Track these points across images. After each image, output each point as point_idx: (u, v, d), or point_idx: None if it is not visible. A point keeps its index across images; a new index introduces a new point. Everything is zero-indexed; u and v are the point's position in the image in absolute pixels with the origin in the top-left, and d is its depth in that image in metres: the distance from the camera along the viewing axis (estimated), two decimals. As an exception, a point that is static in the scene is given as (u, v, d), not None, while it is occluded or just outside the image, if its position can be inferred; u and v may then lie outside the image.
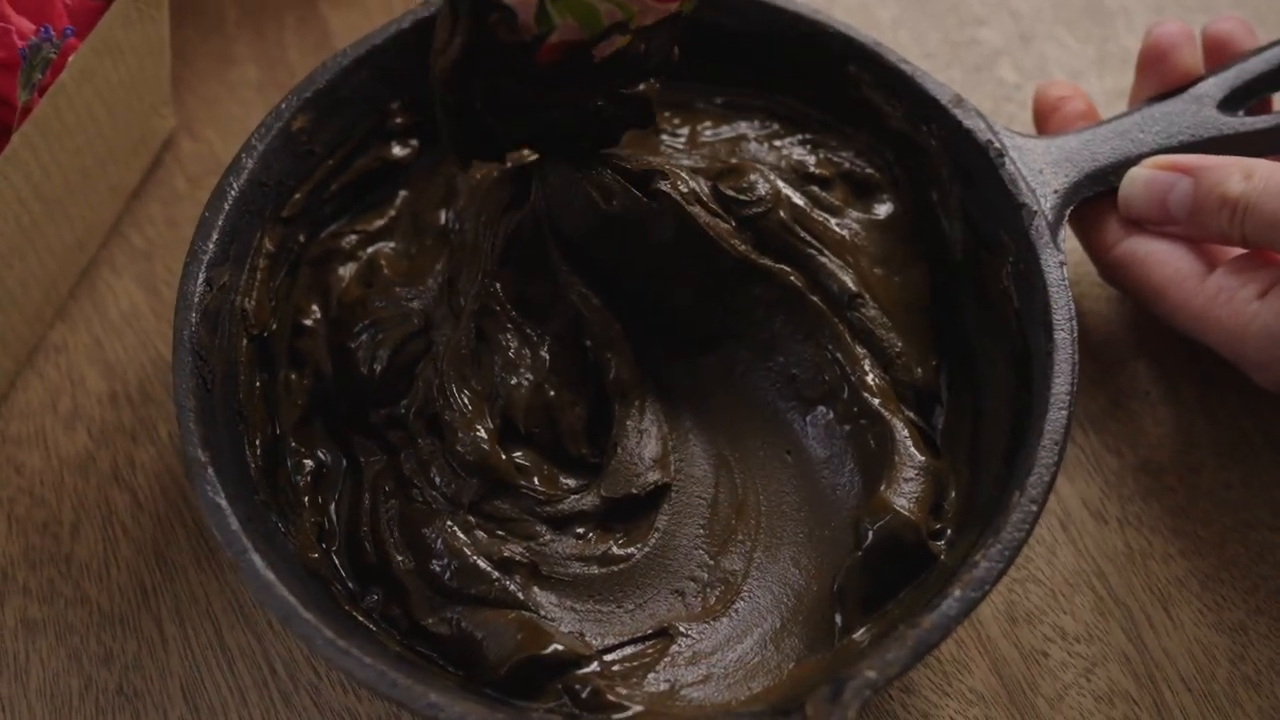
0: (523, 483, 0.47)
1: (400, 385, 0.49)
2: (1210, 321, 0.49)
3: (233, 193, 0.49)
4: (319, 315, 0.51)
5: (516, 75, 0.47)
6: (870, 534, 0.46)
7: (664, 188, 0.50)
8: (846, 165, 0.53)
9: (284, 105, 0.50)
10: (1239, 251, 0.50)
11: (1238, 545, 0.51)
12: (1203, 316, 0.49)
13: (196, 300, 0.47)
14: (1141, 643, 0.49)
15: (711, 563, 0.49)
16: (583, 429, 0.50)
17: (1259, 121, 0.52)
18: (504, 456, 0.47)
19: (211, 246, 0.48)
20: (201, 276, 0.47)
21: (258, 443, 0.48)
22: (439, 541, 0.46)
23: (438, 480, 0.47)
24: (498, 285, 0.50)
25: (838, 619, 0.46)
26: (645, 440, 0.50)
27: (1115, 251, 0.51)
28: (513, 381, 0.48)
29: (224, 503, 0.43)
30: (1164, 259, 0.50)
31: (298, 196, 0.51)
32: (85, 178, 0.53)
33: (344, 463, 0.49)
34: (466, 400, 0.47)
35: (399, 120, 0.54)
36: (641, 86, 0.49)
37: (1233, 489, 0.52)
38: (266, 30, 0.62)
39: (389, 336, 0.49)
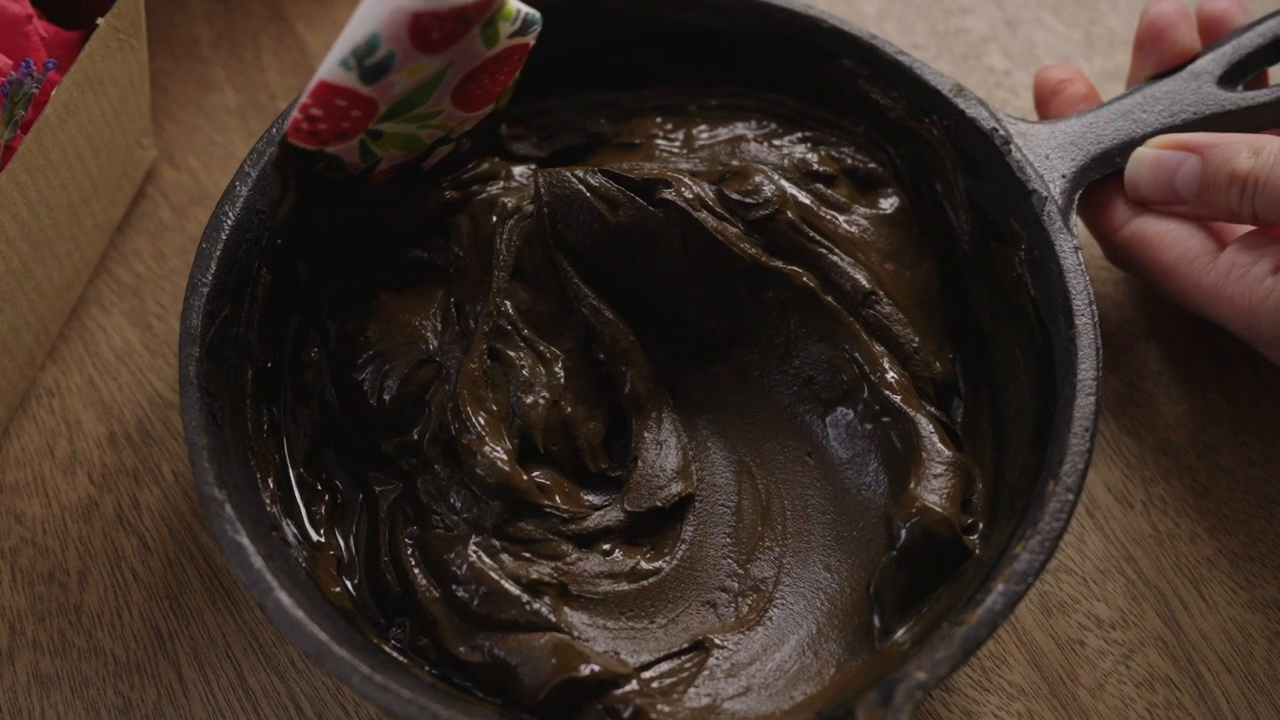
0: (545, 502, 0.47)
1: (411, 413, 0.48)
2: (1223, 299, 0.49)
3: (229, 222, 0.48)
4: (319, 348, 0.50)
5: (353, 202, 0.48)
6: (904, 532, 0.45)
7: (669, 196, 0.49)
8: (849, 161, 0.53)
9: (275, 129, 0.49)
10: (1247, 229, 0.50)
11: (1263, 522, 0.51)
12: (1215, 295, 0.49)
13: (199, 334, 0.46)
14: (1177, 625, 0.49)
15: (741, 571, 0.48)
16: (601, 444, 0.49)
17: (1260, 95, 0.52)
18: (525, 477, 0.46)
19: (210, 278, 0.47)
20: (203, 309, 0.46)
21: (270, 478, 0.47)
22: (464, 568, 0.45)
23: (457, 505, 0.46)
24: (508, 303, 0.49)
25: (875, 621, 0.45)
26: (665, 451, 0.49)
27: (1123, 233, 0.51)
28: (529, 400, 0.48)
29: (245, 541, 0.42)
30: (1173, 238, 0.50)
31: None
32: (72, 214, 0.51)
33: (359, 494, 0.48)
34: (483, 422, 0.46)
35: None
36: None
37: (1253, 465, 0.52)
38: (243, 53, 0.61)
39: (396, 366, 0.48)
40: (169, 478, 0.52)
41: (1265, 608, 0.49)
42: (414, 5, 0.39)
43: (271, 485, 0.47)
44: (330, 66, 0.41)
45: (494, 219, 0.50)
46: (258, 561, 0.42)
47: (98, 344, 0.54)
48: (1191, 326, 0.54)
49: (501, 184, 0.52)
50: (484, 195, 0.51)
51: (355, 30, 0.40)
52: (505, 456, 0.46)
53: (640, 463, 0.49)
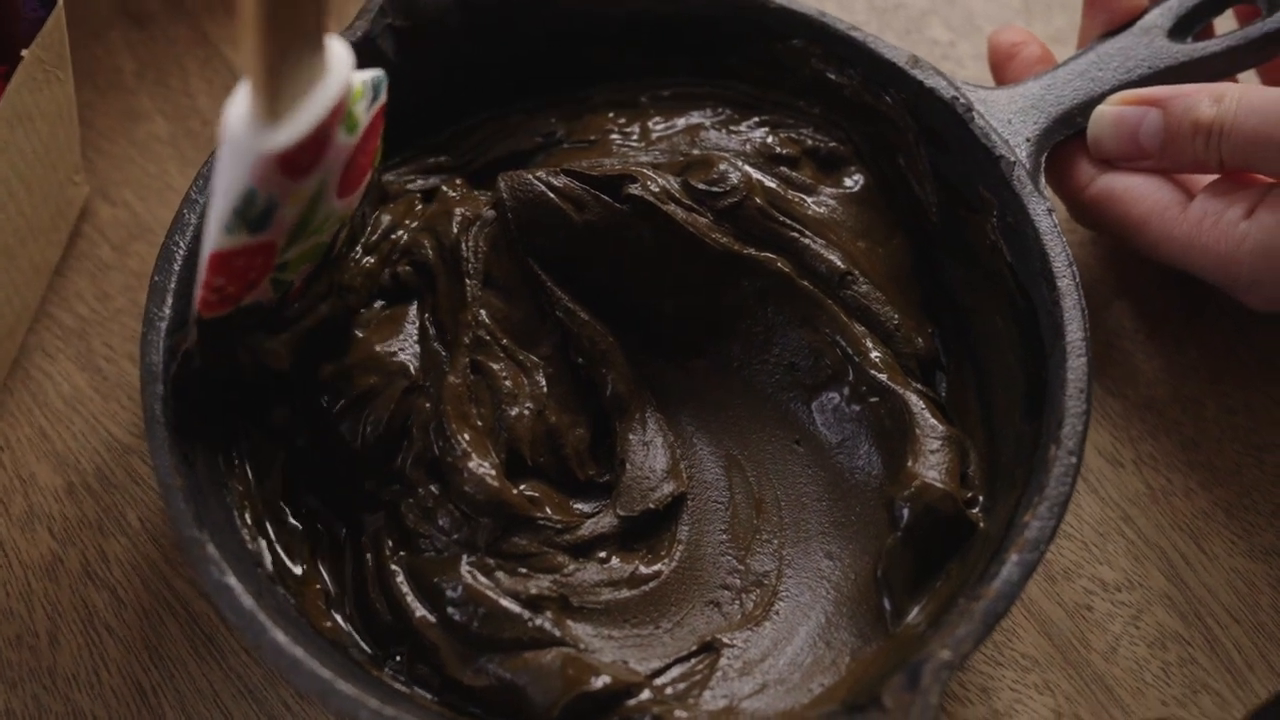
0: (538, 515, 0.45)
1: (395, 444, 0.46)
2: (1198, 248, 0.49)
3: (180, 251, 0.46)
4: (285, 407, 0.48)
5: (279, 324, 0.46)
6: (906, 511, 0.45)
7: (636, 191, 0.48)
8: (809, 142, 0.52)
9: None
10: (1212, 179, 0.50)
11: (1254, 470, 0.51)
12: (1189, 244, 0.49)
13: (162, 371, 0.44)
14: (1181, 581, 0.49)
15: (741, 567, 0.47)
16: (587, 451, 0.48)
17: (1211, 45, 0.52)
18: (514, 490, 0.45)
19: (168, 312, 0.45)
20: (162, 345, 0.44)
21: (247, 514, 0.45)
22: (459, 589, 0.44)
23: (446, 526, 0.45)
24: (483, 312, 0.47)
25: (886, 604, 0.45)
26: (652, 452, 0.48)
27: (1090, 191, 0.51)
28: (513, 413, 0.46)
29: (233, 581, 0.40)
30: (1142, 192, 0.50)
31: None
32: (8, 258, 0.49)
33: (340, 524, 0.46)
34: (468, 439, 0.45)
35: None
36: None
37: (1237, 414, 0.52)
38: (170, 80, 0.59)
39: (378, 405, 0.46)
40: (135, 525, 0.49)
41: (1266, 555, 0.49)
42: (277, 147, 0.37)
43: (250, 521, 0.45)
44: (216, 237, 0.39)
45: (455, 229, 0.49)
46: (248, 601, 0.40)
47: (45, 392, 0.52)
48: (1162, 281, 0.54)
49: (457, 193, 0.51)
50: (439, 209, 0.50)
51: (227, 192, 0.38)
52: (493, 472, 0.44)
53: (628, 466, 0.48)
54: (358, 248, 0.48)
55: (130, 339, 0.53)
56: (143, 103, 0.59)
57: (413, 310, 0.48)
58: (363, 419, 0.46)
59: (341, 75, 0.38)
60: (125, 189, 0.56)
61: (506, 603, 0.43)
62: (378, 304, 0.48)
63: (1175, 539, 0.49)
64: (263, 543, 0.45)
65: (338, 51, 0.38)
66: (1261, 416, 0.52)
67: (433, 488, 0.45)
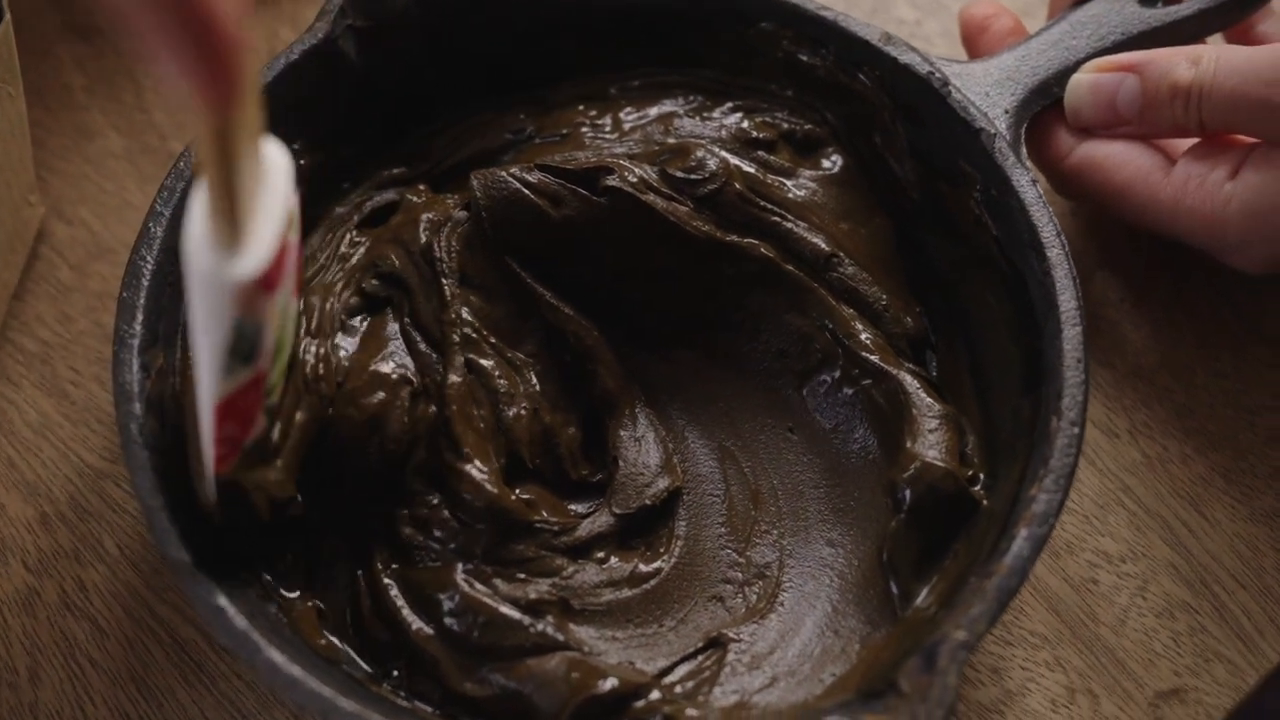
0: (535, 519, 0.44)
1: (403, 457, 0.45)
2: (1183, 211, 0.48)
3: (148, 266, 0.44)
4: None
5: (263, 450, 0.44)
6: (908, 493, 0.44)
7: (613, 183, 0.47)
8: (785, 125, 0.51)
9: (183, 162, 0.46)
10: (1193, 142, 0.50)
11: (1248, 432, 0.51)
12: (1175, 208, 0.49)
13: (137, 390, 0.42)
14: (1185, 549, 0.48)
15: (742, 560, 0.46)
16: (580, 450, 0.47)
17: (1182, 9, 0.52)
18: (513, 496, 0.44)
19: (139, 328, 0.43)
20: (135, 363, 0.43)
21: (234, 532, 0.43)
22: (456, 599, 0.42)
23: (441, 535, 0.43)
24: (465, 311, 0.46)
25: (893, 588, 0.44)
26: (644, 447, 0.48)
27: (1070, 160, 0.51)
28: (511, 413, 0.45)
29: (224, 602, 0.39)
30: (1123, 159, 0.50)
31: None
32: (-33, 284, 0.48)
33: (331, 538, 0.45)
34: (470, 442, 0.44)
35: (303, 162, 0.50)
36: None
37: (1227, 378, 0.52)
38: (122, 94, 0.58)
39: (391, 423, 0.44)
40: (114, 552, 0.48)
41: (1267, 518, 0.49)
42: (254, 271, 0.35)
43: (236, 539, 0.43)
44: (215, 386, 0.37)
45: (424, 234, 0.48)
46: (240, 621, 0.39)
47: (11, 421, 0.50)
48: (1145, 249, 0.54)
49: (422, 199, 0.50)
50: (403, 219, 0.49)
51: (214, 332, 0.36)
52: (490, 477, 0.43)
53: (621, 463, 0.47)
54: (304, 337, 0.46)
55: (96, 361, 0.52)
56: (95, 119, 0.57)
57: (389, 319, 0.47)
58: (374, 439, 0.44)
59: (283, 173, 0.36)
60: (82, 208, 0.55)
61: (506, 609, 0.42)
62: (355, 319, 0.47)
63: (1175, 507, 0.49)
64: (249, 561, 0.43)
65: (271, 148, 0.36)
66: (1251, 379, 0.52)
67: (430, 497, 0.44)
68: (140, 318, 0.43)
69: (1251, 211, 0.47)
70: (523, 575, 0.44)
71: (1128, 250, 0.54)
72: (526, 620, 0.42)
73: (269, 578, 0.43)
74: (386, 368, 0.46)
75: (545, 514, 0.45)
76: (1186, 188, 0.48)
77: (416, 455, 0.44)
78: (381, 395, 0.45)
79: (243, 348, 0.37)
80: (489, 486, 0.43)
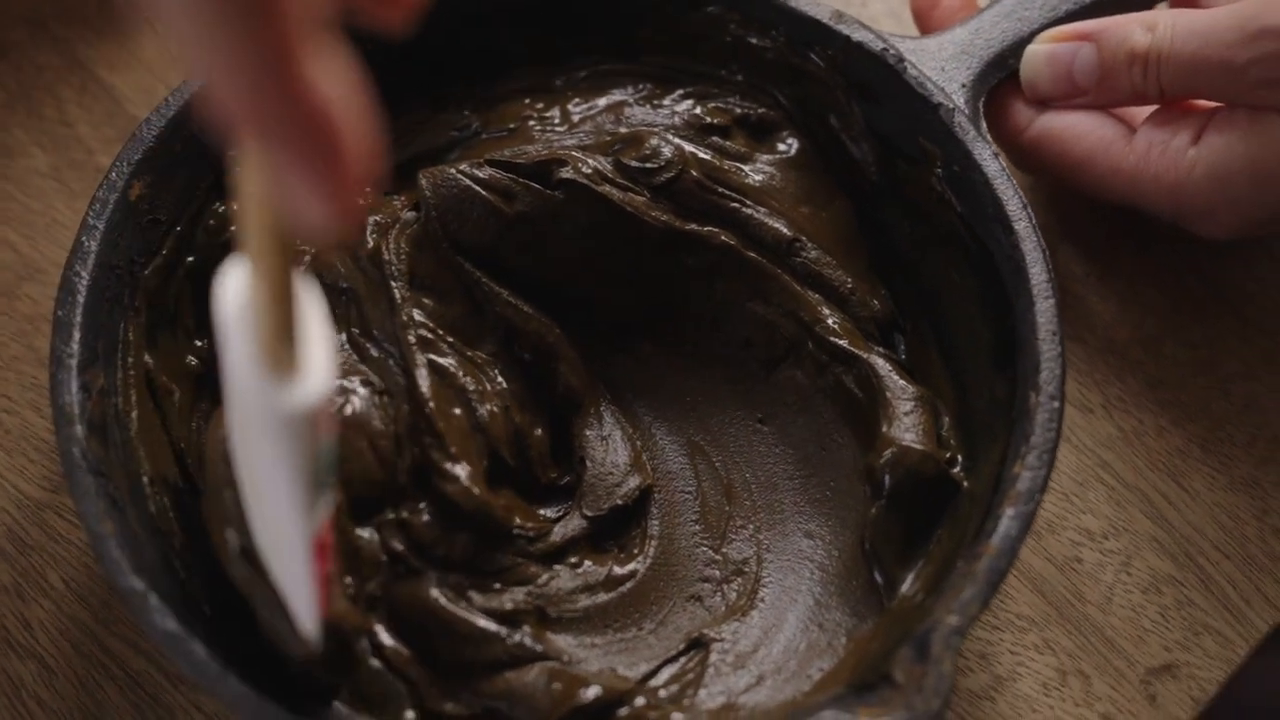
0: (514, 525, 0.43)
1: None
2: (1146, 180, 0.48)
3: (83, 282, 0.42)
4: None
5: None
6: (887, 478, 0.43)
7: (567, 175, 0.46)
8: (738, 110, 0.50)
9: (114, 174, 0.44)
10: (1152, 110, 0.50)
11: (1221, 401, 0.50)
12: (1137, 176, 0.48)
13: (78, 411, 0.40)
14: (1166, 522, 0.48)
15: (718, 557, 0.45)
16: (549, 452, 0.45)
17: (1134, -25, 0.51)
18: (497, 499, 0.42)
19: (76, 347, 0.41)
20: (75, 383, 0.41)
21: (188, 557, 0.42)
22: (429, 617, 0.41)
23: (419, 543, 0.42)
24: (417, 313, 0.45)
25: (877, 577, 0.43)
26: (612, 447, 0.46)
27: (1029, 134, 0.50)
28: (485, 412, 0.44)
29: (179, 629, 0.37)
30: (1083, 129, 0.49)
31: (149, 275, 0.45)
32: (-111, 311, 0.45)
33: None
34: (457, 440, 0.42)
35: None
36: None
37: (1197, 348, 0.51)
38: (44, 110, 0.55)
39: (369, 426, 0.42)
40: (59, 586, 0.46)
41: (1245, 486, 0.48)
42: (326, 384, 0.31)
43: (189, 564, 0.41)
44: (306, 527, 0.33)
45: (371, 237, 0.46)
46: (199, 650, 0.37)
47: (-58, 455, 0.48)
48: (1107, 223, 0.54)
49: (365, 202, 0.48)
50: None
51: (294, 470, 0.32)
52: (477, 479, 0.42)
53: (589, 463, 0.46)
54: None
55: (30, 388, 0.49)
56: (16, 137, 0.55)
57: (334, 330, 0.45)
58: (360, 439, 0.42)
59: (306, 280, 0.32)
60: (7, 228, 0.53)
61: (483, 622, 0.41)
62: None
63: (1154, 480, 0.49)
64: (203, 583, 0.41)
65: None
66: (1220, 347, 0.51)
67: (418, 501, 0.42)
68: (78, 336, 0.42)
69: (1217, 176, 0.46)
70: (498, 585, 0.42)
71: (1090, 223, 0.54)
72: (503, 632, 0.41)
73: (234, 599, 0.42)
74: (342, 380, 0.44)
75: (520, 520, 0.43)
76: (1149, 156, 0.48)
77: (404, 456, 0.42)
78: (353, 399, 0.43)
79: (322, 473, 0.33)
80: (476, 490, 0.42)
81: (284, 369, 0.30)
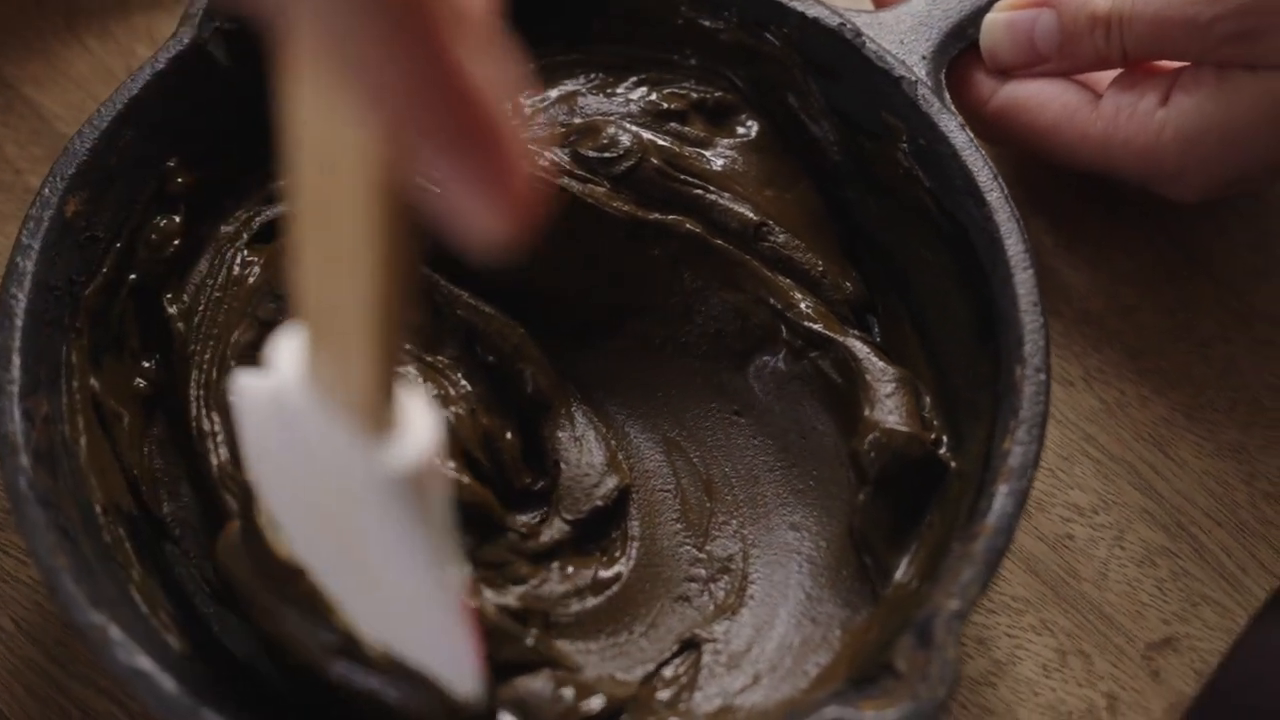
0: (508, 519, 0.41)
1: None
2: (1116, 145, 0.47)
3: (21, 305, 0.41)
4: (186, 488, 0.43)
5: None
6: (873, 463, 0.42)
7: None
8: (694, 95, 0.49)
9: (48, 190, 0.43)
10: (1116, 74, 0.49)
11: (1201, 366, 0.50)
12: (1107, 142, 0.47)
13: (22, 441, 0.38)
14: (1156, 493, 0.47)
15: (703, 555, 0.44)
16: (521, 456, 0.44)
17: (1087, -61, 0.51)
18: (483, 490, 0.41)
19: (17, 374, 0.39)
20: (17, 412, 0.39)
21: (152, 588, 0.40)
22: None
23: None
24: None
25: (868, 566, 0.42)
26: (586, 447, 0.45)
27: (993, 104, 0.49)
28: (451, 414, 0.42)
29: (147, 665, 0.35)
30: (1047, 97, 0.49)
31: (90, 295, 0.43)
32: None
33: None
34: None
35: (180, 180, 0.46)
36: None
37: (1174, 313, 0.51)
38: (-33, 132, 0.53)
39: None
40: (9, 628, 0.44)
41: (1232, 452, 0.48)
42: (439, 438, 0.29)
43: (151, 595, 0.40)
44: (460, 583, 0.32)
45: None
46: (168, 684, 0.35)
47: (-121, 497, 0.46)
48: (1073, 191, 0.53)
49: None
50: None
51: (440, 526, 0.30)
52: (456, 470, 0.40)
53: (563, 466, 0.44)
54: None
55: (-31, 422, 0.47)
56: (-60, 161, 0.53)
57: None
58: None
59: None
60: (-65, 257, 0.51)
61: (500, 619, 0.39)
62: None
63: (1141, 451, 0.48)
64: (171, 619, 0.40)
65: None
66: (1197, 311, 0.51)
67: None
68: (18, 362, 0.40)
69: (1188, 137, 0.46)
70: (500, 582, 0.41)
71: (1057, 193, 0.53)
72: (519, 632, 0.39)
73: (202, 629, 0.40)
74: None
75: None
76: (1117, 120, 0.47)
77: None
78: None
79: (444, 528, 0.31)
80: (465, 479, 0.40)
81: (382, 427, 0.27)
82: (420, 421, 0.28)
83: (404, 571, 0.30)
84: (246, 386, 0.29)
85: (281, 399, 0.28)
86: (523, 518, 0.43)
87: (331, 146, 0.25)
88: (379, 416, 0.27)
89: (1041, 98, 0.49)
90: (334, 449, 0.28)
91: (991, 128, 0.50)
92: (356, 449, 0.27)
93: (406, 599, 0.32)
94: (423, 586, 0.31)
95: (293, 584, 0.35)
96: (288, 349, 0.28)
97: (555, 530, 0.43)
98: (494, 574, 0.41)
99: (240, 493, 0.37)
